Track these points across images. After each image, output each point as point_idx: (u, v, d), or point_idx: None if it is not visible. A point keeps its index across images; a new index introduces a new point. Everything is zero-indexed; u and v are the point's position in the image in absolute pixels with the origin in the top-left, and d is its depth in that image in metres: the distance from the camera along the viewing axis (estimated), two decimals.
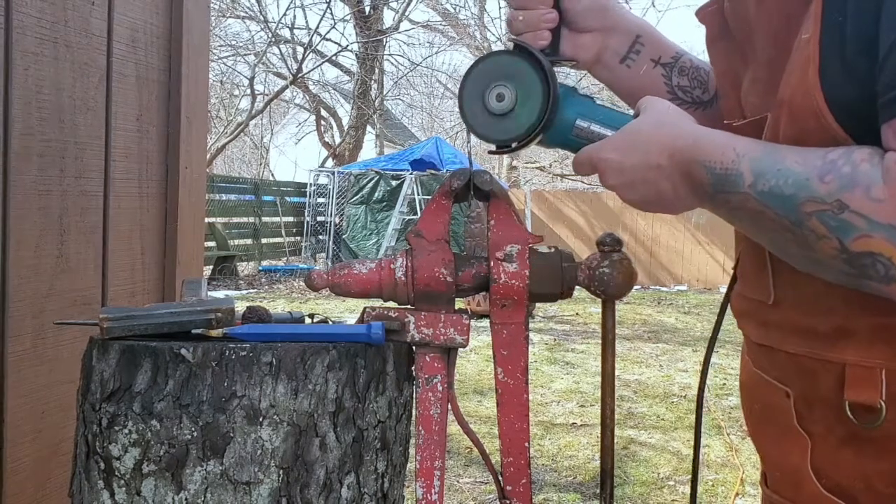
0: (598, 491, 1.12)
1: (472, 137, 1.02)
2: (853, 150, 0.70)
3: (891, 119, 0.69)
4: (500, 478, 1.07)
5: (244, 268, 13.33)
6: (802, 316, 0.83)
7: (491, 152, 1.01)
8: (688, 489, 3.60)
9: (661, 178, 0.82)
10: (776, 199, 0.73)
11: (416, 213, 12.40)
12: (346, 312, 8.80)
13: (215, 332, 1.03)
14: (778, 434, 0.88)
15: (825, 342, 0.81)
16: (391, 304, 1.06)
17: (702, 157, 0.79)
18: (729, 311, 1.01)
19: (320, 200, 14.75)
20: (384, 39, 16.97)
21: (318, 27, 15.29)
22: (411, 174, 13.00)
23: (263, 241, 14.31)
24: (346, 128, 17.31)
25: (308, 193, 14.83)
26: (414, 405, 1.08)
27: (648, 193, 0.85)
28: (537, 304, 8.61)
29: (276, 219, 14.67)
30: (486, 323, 1.13)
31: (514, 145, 0.98)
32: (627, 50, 1.04)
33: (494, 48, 20.95)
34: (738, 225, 0.83)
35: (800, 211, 0.71)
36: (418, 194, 12.94)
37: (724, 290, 1.01)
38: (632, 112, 0.93)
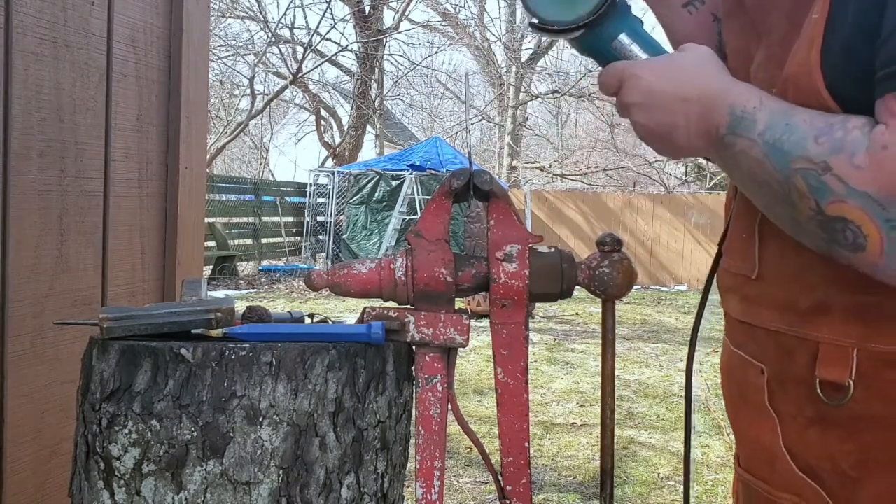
0: (598, 491, 1.12)
1: (472, 137, 1.01)
2: (851, 118, 0.73)
3: (884, 94, 0.71)
4: (500, 478, 1.07)
5: (244, 268, 13.33)
6: (783, 290, 0.85)
7: (532, 25, 0.99)
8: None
9: (681, 111, 0.83)
10: (776, 151, 0.75)
11: (416, 213, 12.39)
12: (346, 312, 8.79)
13: (215, 332, 1.03)
14: (752, 413, 0.90)
15: (803, 318, 0.82)
16: (391, 304, 1.06)
17: (729, 99, 0.81)
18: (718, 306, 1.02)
19: (320, 200, 14.75)
20: (384, 39, 16.97)
21: (318, 27, 15.29)
22: (411, 174, 13.00)
23: (263, 241, 14.30)
24: (346, 128, 17.30)
25: (308, 193, 14.82)
26: (414, 405, 1.08)
27: (662, 122, 0.85)
28: (537, 304, 8.61)
29: (276, 219, 14.67)
30: (486, 323, 1.13)
31: (556, 28, 0.96)
32: None
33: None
34: (735, 174, 0.85)
35: (790, 167, 0.74)
36: (418, 194, 12.93)
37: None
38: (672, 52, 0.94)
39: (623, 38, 0.95)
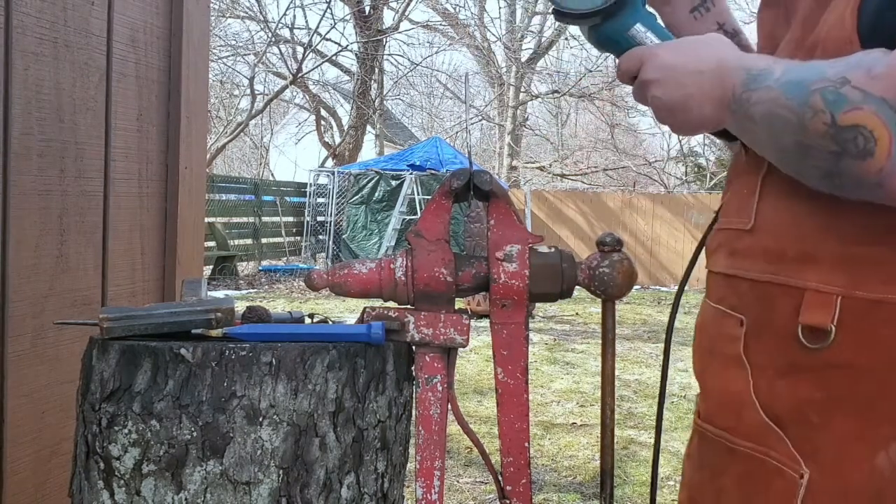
0: (598, 491, 1.12)
1: (472, 137, 1.02)
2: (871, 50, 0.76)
3: None
4: (500, 478, 1.07)
5: (244, 268, 13.32)
6: (775, 240, 0.87)
7: (555, 12, 1.01)
8: None
9: (697, 82, 0.87)
10: (793, 85, 0.78)
11: (416, 213, 12.39)
12: (346, 312, 8.79)
13: (215, 332, 1.03)
14: (723, 365, 0.91)
15: (790, 267, 0.84)
16: (391, 304, 1.06)
17: (743, 64, 0.84)
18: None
19: (320, 200, 14.74)
20: (384, 39, 16.96)
21: (318, 27, 15.28)
22: (411, 174, 13.00)
23: (263, 241, 14.30)
24: (346, 128, 17.30)
25: (308, 193, 14.82)
26: (414, 405, 1.08)
27: (678, 94, 0.88)
28: (537, 304, 8.61)
29: (276, 219, 14.67)
30: (486, 323, 1.13)
31: (575, 13, 0.99)
32: (700, 2, 1.09)
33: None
34: (748, 129, 0.86)
35: (807, 90, 0.76)
36: (418, 194, 12.93)
37: None
38: None
39: (639, 26, 0.99)
